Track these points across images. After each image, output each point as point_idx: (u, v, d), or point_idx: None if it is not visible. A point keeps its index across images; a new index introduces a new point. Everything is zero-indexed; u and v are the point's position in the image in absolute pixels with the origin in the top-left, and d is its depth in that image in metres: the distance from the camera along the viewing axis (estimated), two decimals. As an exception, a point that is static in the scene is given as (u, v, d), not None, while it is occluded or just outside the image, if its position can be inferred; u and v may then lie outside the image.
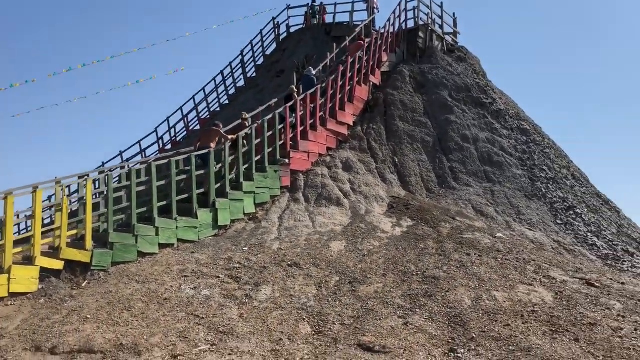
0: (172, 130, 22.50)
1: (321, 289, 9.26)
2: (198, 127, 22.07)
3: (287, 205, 13.54)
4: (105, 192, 10.12)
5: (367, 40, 18.09)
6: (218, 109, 22.82)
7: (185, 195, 11.60)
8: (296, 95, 14.82)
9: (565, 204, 15.63)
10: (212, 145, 12.51)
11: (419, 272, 9.87)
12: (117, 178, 14.03)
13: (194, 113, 22.74)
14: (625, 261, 13.37)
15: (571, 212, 15.28)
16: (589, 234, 14.51)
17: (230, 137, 12.93)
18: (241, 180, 12.76)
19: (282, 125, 14.19)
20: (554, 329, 7.67)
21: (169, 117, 22.35)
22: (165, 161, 11.84)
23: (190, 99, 22.71)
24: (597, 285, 9.77)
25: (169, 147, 21.88)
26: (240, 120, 14.17)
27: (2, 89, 15.76)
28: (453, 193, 15.41)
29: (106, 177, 10.03)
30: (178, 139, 22.38)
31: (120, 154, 21.33)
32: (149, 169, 11.02)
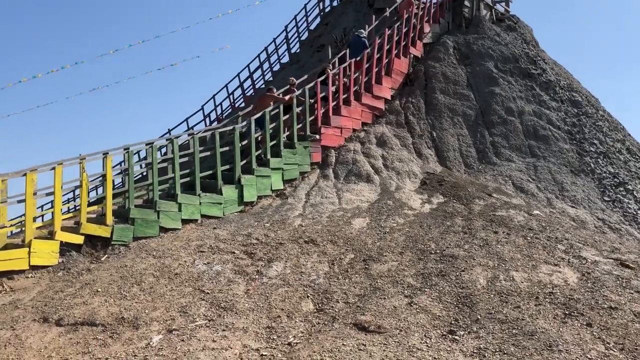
0: (219, 107, 22.79)
1: (333, 266, 9.12)
2: (243, 105, 22.22)
3: (315, 181, 13.42)
4: (126, 169, 10.35)
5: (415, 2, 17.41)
6: (263, 86, 22.85)
7: (210, 172, 11.71)
8: (329, 70, 14.56)
9: (616, 179, 14.65)
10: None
11: (438, 251, 9.53)
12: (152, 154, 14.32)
13: (240, 91, 22.92)
14: (677, 241, 12.41)
15: (621, 189, 14.32)
16: (639, 211, 13.55)
17: (286, 97, 13.35)
18: (268, 156, 12.73)
19: (313, 100, 14.00)
20: (567, 312, 7.20)
21: (215, 94, 22.61)
22: (193, 137, 11.98)
23: (235, 76, 22.84)
24: (633, 266, 9.10)
25: (215, 124, 22.20)
26: (288, 86, 14.40)
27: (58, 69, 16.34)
28: (493, 169, 14.78)
29: (126, 154, 10.23)
30: (224, 115, 22.66)
31: (169, 131, 21.83)
32: (170, 145, 11.16)
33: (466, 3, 19.33)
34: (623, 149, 16.35)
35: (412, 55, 17.74)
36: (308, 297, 8.02)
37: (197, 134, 11.88)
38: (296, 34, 23.55)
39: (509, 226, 10.90)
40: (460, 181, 13.78)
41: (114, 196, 10.52)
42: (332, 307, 7.66)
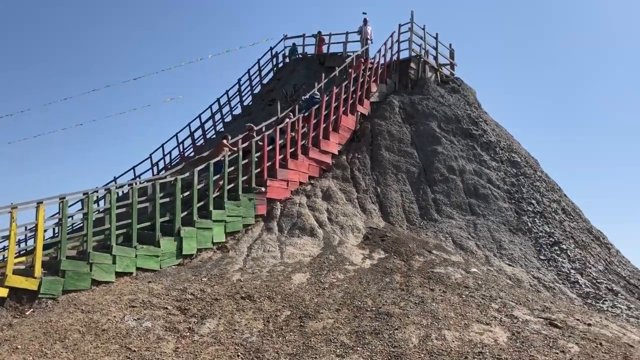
0: (167, 156, 22.65)
1: (268, 323, 9.00)
2: (193, 154, 22.15)
3: (259, 234, 13.36)
4: (60, 219, 10.07)
5: (356, 70, 18.10)
6: (214, 136, 22.92)
7: (148, 223, 11.52)
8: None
9: (552, 239, 15.15)
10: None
11: (374, 308, 9.56)
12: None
13: (190, 140, 22.90)
14: (606, 300, 12.83)
15: (556, 248, 14.80)
16: (572, 270, 14.00)
17: (235, 148, 13.55)
18: (211, 208, 12.64)
19: (258, 153, 14.11)
20: (494, 373, 7.29)
21: (164, 143, 22.52)
22: (139, 186, 11.84)
23: (186, 126, 22.90)
24: (561, 326, 9.34)
25: (163, 172, 21.99)
26: (247, 132, 14.60)
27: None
28: (434, 225, 15.07)
29: (60, 204, 9.98)
30: (172, 164, 22.49)
31: (115, 179, 21.49)
32: (108, 195, 10.97)
33: (412, 65, 20.12)
34: (559, 209, 16.99)
35: (359, 113, 18.21)
36: (238, 356, 7.85)
37: (137, 184, 11.74)
38: (249, 87, 23.92)
39: (446, 284, 11.06)
40: (402, 237, 13.98)
41: (48, 247, 10.19)
42: (262, 366, 7.52)
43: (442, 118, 18.62)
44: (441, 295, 10.31)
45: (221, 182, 13.05)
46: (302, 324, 8.98)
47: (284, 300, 9.91)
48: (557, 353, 8.12)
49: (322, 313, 9.38)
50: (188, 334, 8.49)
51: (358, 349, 8.05)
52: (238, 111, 23.62)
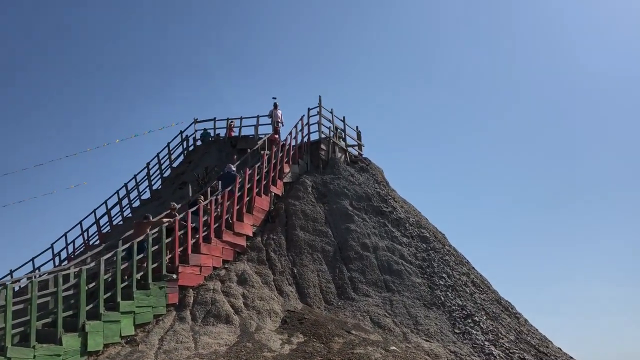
0: (71, 245, 21.36)
1: (183, 422, 8.37)
2: (98, 242, 21.06)
3: (171, 325, 12.69)
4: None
5: (267, 152, 18.40)
6: (121, 222, 22.01)
7: (49, 319, 10.63)
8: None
9: (464, 312, 15.54)
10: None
11: (296, 396, 9.19)
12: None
13: (95, 228, 21.81)
14: (520, 370, 13.15)
15: (469, 320, 15.16)
16: (486, 342, 14.33)
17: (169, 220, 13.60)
18: (118, 299, 11.92)
19: (170, 239, 13.66)
20: None
21: (67, 232, 21.27)
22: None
23: (91, 213, 21.85)
24: (481, 400, 9.40)
25: (65, 263, 20.64)
26: (169, 211, 14.45)
27: None
28: (352, 304, 15.04)
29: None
30: (76, 254, 21.20)
31: (11, 272, 19.82)
32: (4, 291, 10.06)
33: (322, 146, 20.74)
34: (468, 281, 17.58)
35: (273, 194, 18.30)
36: None
37: (36, 277, 10.91)
38: (158, 171, 23.49)
39: (367, 364, 10.92)
40: (320, 318, 13.78)
41: None
42: None
43: (353, 196, 19.09)
44: (363, 377, 10.13)
45: (144, 264, 12.59)
46: (220, 420, 8.43)
47: (200, 394, 9.32)
48: None
49: (241, 406, 8.87)
50: None
51: None
52: (147, 195, 22.99)
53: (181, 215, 14.29)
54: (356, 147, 22.84)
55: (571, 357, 16.19)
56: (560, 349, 16.75)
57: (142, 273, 12.77)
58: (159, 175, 23.54)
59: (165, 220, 13.89)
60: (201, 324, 12.82)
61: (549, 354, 15.38)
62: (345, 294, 15.43)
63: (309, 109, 21.06)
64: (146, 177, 23.13)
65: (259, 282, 15.09)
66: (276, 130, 20.84)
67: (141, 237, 12.99)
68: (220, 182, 17.05)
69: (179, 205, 15.21)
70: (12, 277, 19.59)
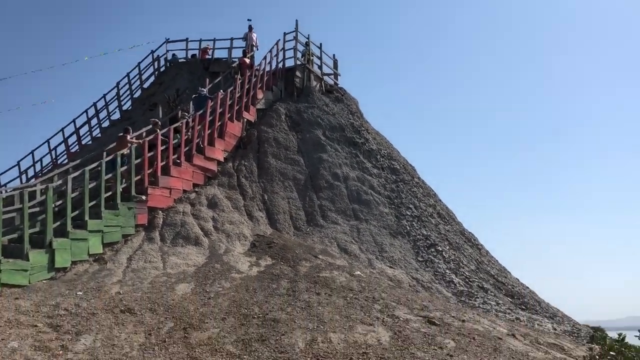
0: (38, 164, 21.01)
1: (150, 336, 8.61)
2: (67, 161, 20.74)
3: (139, 245, 12.79)
4: None
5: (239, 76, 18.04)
6: (90, 142, 21.63)
7: (15, 235, 10.61)
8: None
9: (428, 241, 16.00)
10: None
11: (261, 315, 9.49)
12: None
13: (63, 147, 21.40)
14: (478, 297, 13.76)
15: (433, 250, 15.64)
16: (447, 270, 14.87)
17: (139, 141, 13.53)
18: (86, 218, 11.90)
19: (138, 160, 13.53)
20: (377, 372, 7.52)
21: (34, 150, 20.85)
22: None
23: (59, 131, 21.37)
24: (438, 323, 9.85)
25: (32, 181, 20.36)
26: (150, 126, 14.49)
27: None
28: (320, 231, 15.32)
29: None
30: (44, 172, 20.90)
31: (-23, 188, 19.53)
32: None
33: (297, 73, 20.39)
34: (434, 213, 18.01)
35: (245, 120, 18.10)
36: (118, 372, 7.43)
37: (2, 193, 10.77)
38: (128, 91, 22.89)
39: (331, 287, 11.26)
40: (289, 243, 14.04)
41: None
42: (144, 381, 7.17)
43: (327, 126, 19.03)
44: (327, 299, 10.48)
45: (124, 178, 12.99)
46: (186, 335, 8.70)
47: (167, 311, 9.55)
48: (436, 349, 8.56)
49: (207, 323, 9.15)
50: (61, 352, 7.89)
51: (245, 357, 7.95)
52: (117, 116, 22.50)
53: (164, 131, 14.17)
54: (332, 76, 22.51)
55: (527, 287, 16.96)
56: (518, 280, 17.50)
57: (110, 193, 12.71)
58: (129, 96, 22.95)
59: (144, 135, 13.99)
60: (170, 245, 12.95)
61: (506, 284, 16.08)
62: (314, 221, 15.68)
63: (284, 34, 20.53)
64: (116, 97, 22.55)
65: (229, 206, 15.19)
66: (245, 53, 20.30)
67: (124, 150, 13.06)
68: (192, 105, 16.81)
69: (142, 131, 15.01)
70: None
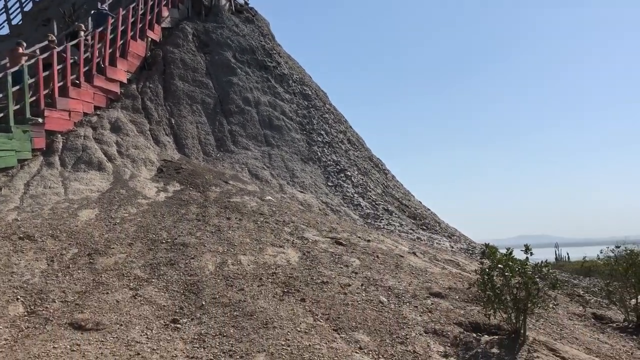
0: None
1: (53, 263, 8.34)
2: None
3: (38, 170, 12.10)
4: None
5: None
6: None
7: None
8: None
9: (338, 167, 16.34)
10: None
11: (169, 240, 9.43)
12: None
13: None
14: (383, 219, 14.39)
15: (342, 175, 16.02)
16: (355, 194, 15.35)
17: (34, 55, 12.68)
18: (-25, 141, 11.04)
19: (32, 80, 12.56)
20: (286, 290, 7.79)
21: None
22: None
23: (-64, 45, 19.25)
24: (345, 243, 10.25)
25: None
26: (46, 42, 13.63)
27: None
28: (231, 157, 15.17)
29: None
30: None
31: None
32: None
33: (206, -9, 19.39)
34: (345, 139, 18.31)
35: (149, 39, 17.15)
36: (18, 299, 7.18)
37: None
38: (18, 3, 20.89)
39: (242, 212, 11.32)
40: (198, 169, 13.83)
41: None
42: (47, 307, 7.00)
43: (237, 48, 18.46)
44: (237, 224, 10.55)
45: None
46: (91, 260, 8.50)
47: (70, 238, 9.24)
48: (342, 267, 8.94)
49: (113, 248, 8.97)
50: (-47, 282, 7.48)
51: (153, 280, 7.92)
52: (5, 31, 20.59)
53: (60, 48, 13.14)
54: (242, -4, 21.61)
55: (428, 209, 17.93)
56: (421, 202, 18.44)
57: (1, 115, 11.79)
58: (19, 9, 20.97)
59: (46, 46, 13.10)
60: (71, 170, 12.36)
61: (410, 207, 16.90)
62: (225, 147, 15.47)
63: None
64: (3, 9, 20.52)
65: (134, 130, 14.61)
66: None
67: (16, 68, 11.99)
68: (91, 21, 15.66)
69: (35, 47, 13.87)
70: None
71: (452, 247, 14.22)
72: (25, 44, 13.45)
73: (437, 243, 14.09)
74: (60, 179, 11.94)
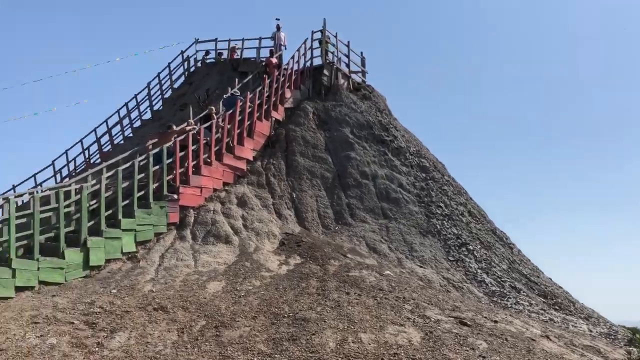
0: (72, 163, 21.46)
1: (183, 334, 8.73)
2: (99, 161, 21.13)
3: (171, 243, 12.97)
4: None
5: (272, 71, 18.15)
6: (122, 142, 22.01)
7: (51, 234, 10.86)
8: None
9: (459, 240, 15.84)
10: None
11: (291, 314, 9.53)
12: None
13: (96, 146, 21.82)
14: (510, 297, 13.57)
15: (464, 249, 15.48)
16: (479, 270, 14.70)
17: (188, 129, 14.02)
18: (119, 217, 12.12)
19: (170, 160, 13.71)
20: (409, 373, 7.49)
21: (68, 149, 21.29)
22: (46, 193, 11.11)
23: (92, 131, 21.78)
24: (470, 324, 9.75)
25: (67, 180, 20.79)
26: (185, 124, 14.90)
27: None
28: (349, 229, 15.30)
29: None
30: (77, 172, 21.33)
31: (14, 187, 20.02)
32: (7, 205, 10.22)
33: (325, 72, 20.36)
34: (465, 211, 17.81)
35: (273, 119, 18.18)
36: (152, 369, 7.55)
37: (38, 192, 11.04)
38: (159, 92, 23.20)
39: (361, 287, 11.25)
40: (317, 242, 14.07)
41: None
42: (177, 379, 7.27)
43: (354, 124, 18.98)
44: (357, 299, 10.47)
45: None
46: (218, 333, 8.79)
47: (199, 309, 9.66)
48: (467, 350, 8.47)
49: (238, 321, 9.23)
50: (97, 349, 8.06)
51: (276, 356, 7.99)
52: (148, 116, 22.84)
53: (195, 130, 14.36)
54: (359, 74, 22.43)
55: (560, 286, 16.66)
56: (551, 279, 17.20)
57: (143, 192, 12.90)
58: (160, 96, 23.26)
59: (188, 128, 14.30)
60: (201, 243, 13.09)
61: (539, 284, 15.82)
62: (343, 220, 15.66)
63: (312, 32, 20.50)
64: (147, 97, 22.88)
65: (259, 205, 15.28)
66: (272, 53, 20.46)
67: (156, 150, 13.36)
68: (222, 105, 17.00)
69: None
70: (14, 191, 19.83)
71: (591, 331, 12.98)
72: (174, 126, 14.89)
73: (572, 326, 12.95)
74: (191, 252, 12.67)
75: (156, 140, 14.25)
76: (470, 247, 15.71)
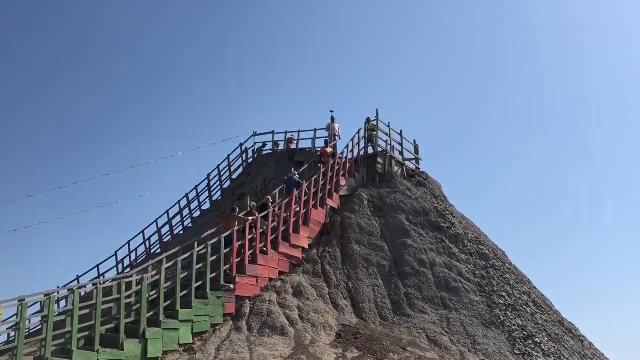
0: (133, 253, 22.11)
1: None
2: (159, 251, 21.68)
3: (227, 334, 12.88)
4: (17, 323, 9.56)
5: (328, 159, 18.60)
6: (182, 232, 22.61)
7: (112, 325, 11.03)
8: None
9: (524, 332, 15.02)
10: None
11: (350, 412, 9.12)
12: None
13: (157, 237, 22.48)
14: (585, 396, 12.57)
15: (530, 342, 14.64)
16: (548, 365, 13.79)
17: (250, 218, 14.32)
18: (178, 307, 12.22)
19: (228, 249, 13.91)
20: None
21: (130, 240, 22.03)
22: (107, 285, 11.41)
23: (153, 222, 22.54)
24: None
25: (128, 270, 21.34)
26: (249, 209, 15.43)
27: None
28: (407, 320, 14.82)
29: (19, 307, 9.51)
30: (138, 262, 21.91)
31: (77, 278, 20.70)
32: (71, 296, 10.53)
33: (379, 160, 20.64)
34: (529, 301, 17.00)
35: (329, 206, 18.34)
36: None
37: (101, 283, 11.35)
38: (218, 182, 24.01)
39: (423, 383, 10.72)
40: (375, 334, 13.66)
41: (2, 353, 9.58)
42: None
43: (410, 211, 18.87)
44: (418, 396, 9.95)
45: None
46: None
47: (255, 405, 9.39)
48: None
49: (295, 419, 8.88)
50: None
51: None
52: (207, 206, 23.53)
53: (251, 220, 14.59)
54: (413, 161, 22.60)
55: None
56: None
57: (200, 282, 13.04)
58: (219, 187, 24.04)
59: (250, 218, 14.59)
60: (257, 335, 12.95)
61: (616, 381, 14.64)
62: (401, 310, 15.23)
63: (366, 122, 21.03)
64: (207, 188, 23.69)
65: (314, 294, 15.11)
66: (326, 143, 21.06)
67: (214, 240, 13.66)
68: (285, 186, 17.47)
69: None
70: (78, 282, 20.47)
71: None
72: (238, 209, 15.26)
73: None
74: (246, 344, 12.51)
75: (222, 224, 14.62)
76: (537, 340, 14.85)
